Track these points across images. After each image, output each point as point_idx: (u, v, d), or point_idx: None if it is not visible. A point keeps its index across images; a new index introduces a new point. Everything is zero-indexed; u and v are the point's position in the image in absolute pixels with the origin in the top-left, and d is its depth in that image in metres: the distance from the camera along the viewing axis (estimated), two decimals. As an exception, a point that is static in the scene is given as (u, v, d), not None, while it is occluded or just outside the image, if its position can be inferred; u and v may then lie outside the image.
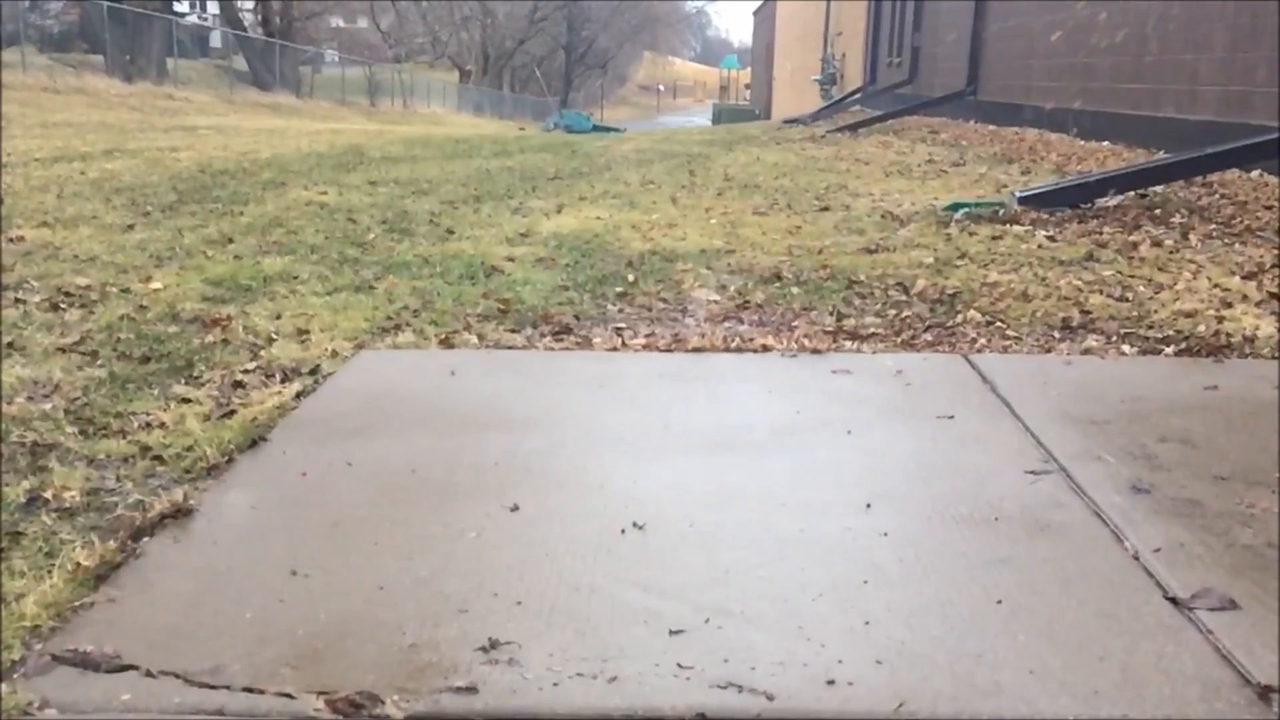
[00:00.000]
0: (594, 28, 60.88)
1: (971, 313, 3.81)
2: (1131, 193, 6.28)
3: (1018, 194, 6.18)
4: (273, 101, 27.72)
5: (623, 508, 2.13)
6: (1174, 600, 1.77)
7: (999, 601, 1.77)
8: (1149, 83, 8.96)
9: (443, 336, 3.52)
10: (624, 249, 5.11)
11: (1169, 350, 3.36)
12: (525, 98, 56.50)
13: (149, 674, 1.55)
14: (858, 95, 20.27)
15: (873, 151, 10.58)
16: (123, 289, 4.06)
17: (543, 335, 3.58)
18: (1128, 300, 3.97)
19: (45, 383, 2.92)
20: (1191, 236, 5.19)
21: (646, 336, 3.55)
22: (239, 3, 38.82)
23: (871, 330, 3.62)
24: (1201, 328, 3.57)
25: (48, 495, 2.18)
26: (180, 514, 2.09)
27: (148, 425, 2.62)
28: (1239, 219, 5.64)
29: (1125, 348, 3.40)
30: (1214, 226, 5.44)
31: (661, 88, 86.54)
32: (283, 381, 3.00)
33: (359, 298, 4.02)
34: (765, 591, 1.80)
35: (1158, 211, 5.91)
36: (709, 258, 4.88)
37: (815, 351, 3.33)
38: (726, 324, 3.74)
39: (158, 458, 2.41)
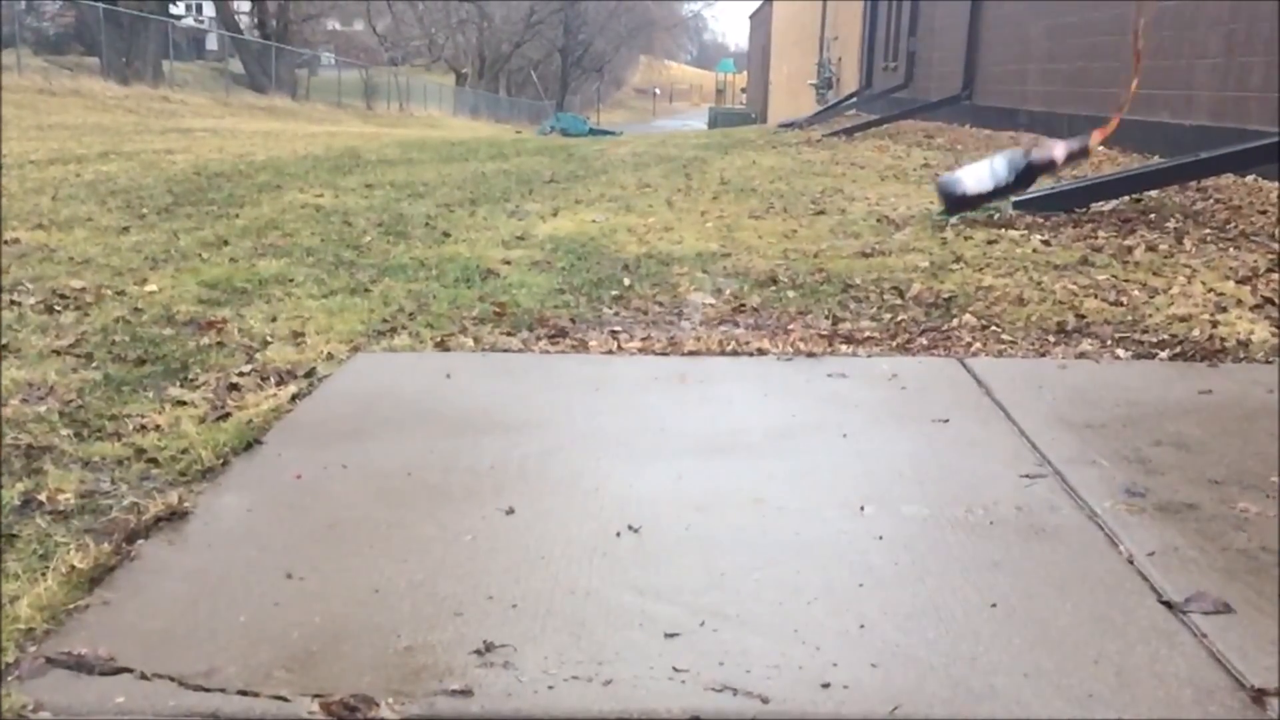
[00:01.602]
0: (590, 31, 60.92)
1: (967, 316, 3.82)
2: (1126, 197, 6.30)
3: (1013, 198, 6.19)
4: (269, 104, 27.71)
5: (618, 511, 2.13)
6: (1168, 604, 1.78)
7: (994, 605, 1.77)
8: (1144, 87, 8.97)
9: (438, 339, 3.52)
10: (620, 252, 5.11)
11: (1163, 354, 3.37)
12: (521, 101, 56.54)
13: (144, 676, 1.54)
14: (854, 99, 20.28)
15: (868, 155, 10.60)
16: (118, 291, 4.06)
17: (538, 338, 3.58)
18: (1122, 304, 3.98)
19: (40, 385, 2.92)
20: (1186, 241, 5.20)
21: (642, 340, 3.55)
22: (235, 5, 38.81)
23: (867, 334, 3.62)
24: (1196, 332, 3.58)
25: (42, 498, 2.18)
26: (175, 516, 2.08)
27: (143, 428, 2.62)
28: (1233, 223, 5.66)
29: (1120, 352, 3.41)
30: (1208, 231, 5.46)
31: (658, 91, 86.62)
32: (278, 384, 3.00)
33: (355, 300, 4.02)
34: (760, 594, 1.80)
35: (1152, 216, 5.93)
36: (705, 261, 4.89)
37: (811, 355, 3.33)
38: (722, 327, 3.74)
39: (153, 460, 2.41)
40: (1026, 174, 1.77)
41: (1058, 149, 1.78)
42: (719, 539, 2.01)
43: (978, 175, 1.80)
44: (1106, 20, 9.73)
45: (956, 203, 1.83)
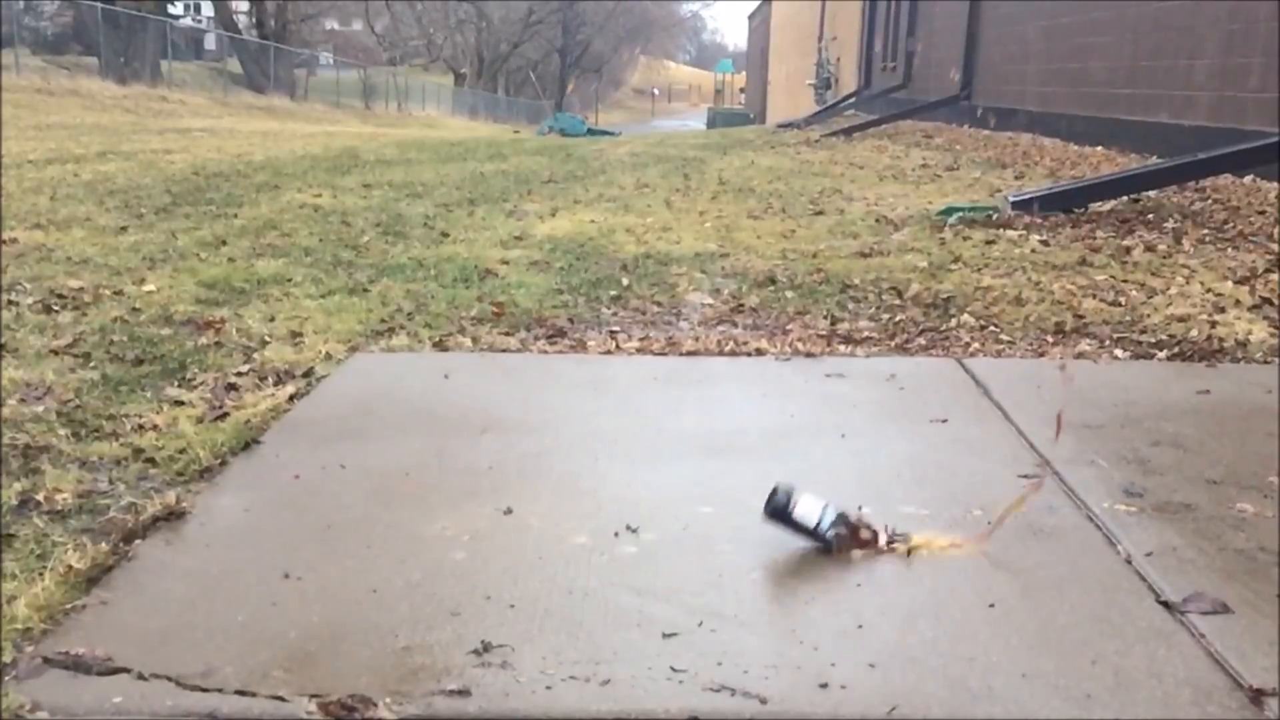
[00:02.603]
0: (589, 31, 60.89)
1: (965, 317, 3.82)
2: (1125, 197, 6.30)
3: (1011, 198, 6.20)
4: (267, 104, 27.67)
5: (616, 511, 2.13)
6: (1166, 604, 1.78)
7: (991, 605, 1.77)
8: (1142, 88, 8.99)
9: (437, 339, 3.52)
10: (618, 252, 5.11)
11: (1161, 354, 3.37)
12: (520, 101, 56.50)
13: (141, 677, 1.54)
14: (852, 99, 20.29)
15: (867, 156, 10.60)
16: (116, 291, 4.06)
17: (537, 338, 3.58)
18: (1121, 305, 3.98)
19: (38, 385, 2.91)
20: (1184, 241, 5.20)
21: (640, 340, 3.55)
22: (233, 5, 38.77)
23: (865, 334, 3.62)
24: (1194, 332, 3.59)
25: (40, 498, 2.18)
26: (173, 516, 2.08)
27: (140, 428, 2.62)
28: (1231, 224, 5.66)
29: (1118, 352, 3.41)
30: (1206, 231, 5.46)
31: (656, 91, 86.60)
32: (276, 384, 3.00)
33: (353, 300, 4.02)
34: (758, 594, 1.80)
35: (1151, 216, 5.93)
36: (703, 261, 4.89)
37: (809, 355, 3.33)
38: (720, 327, 3.74)
39: (150, 460, 2.41)
40: (840, 538, 1.87)
41: (881, 539, 1.89)
42: (717, 539, 2.01)
43: (807, 508, 1.88)
44: (1106, 20, 9.73)
45: (777, 512, 1.92)
